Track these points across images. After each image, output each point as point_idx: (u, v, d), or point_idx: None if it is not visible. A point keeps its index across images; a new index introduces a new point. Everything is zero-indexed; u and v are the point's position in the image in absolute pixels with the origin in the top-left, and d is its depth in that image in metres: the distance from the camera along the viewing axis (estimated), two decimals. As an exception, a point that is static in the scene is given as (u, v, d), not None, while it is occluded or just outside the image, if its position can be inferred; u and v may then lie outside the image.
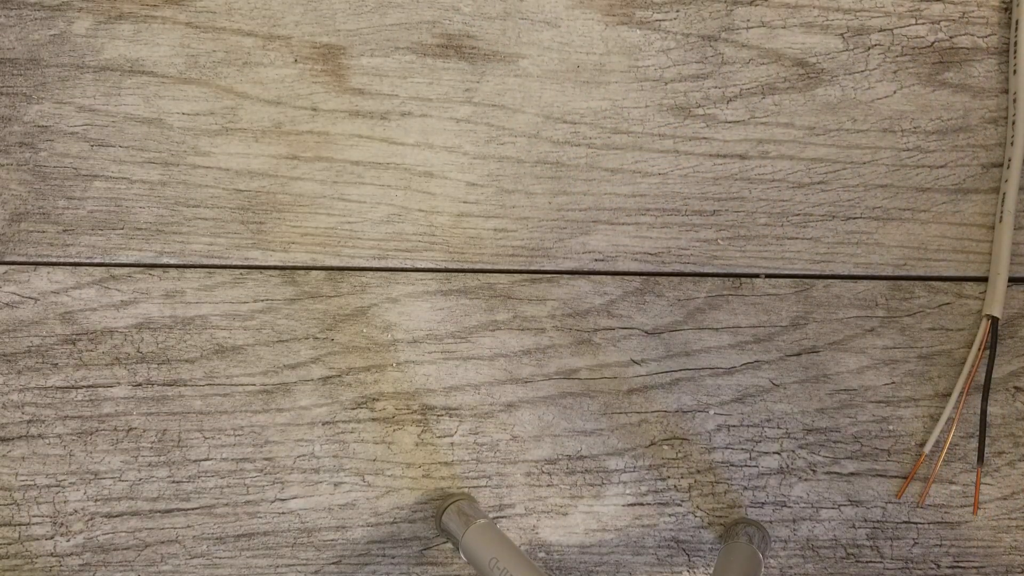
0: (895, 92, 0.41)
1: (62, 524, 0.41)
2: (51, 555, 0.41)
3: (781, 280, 0.41)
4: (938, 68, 0.41)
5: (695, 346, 0.40)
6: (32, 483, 0.41)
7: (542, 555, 0.41)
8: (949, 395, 0.40)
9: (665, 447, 0.41)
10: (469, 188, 0.40)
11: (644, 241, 0.40)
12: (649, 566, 0.41)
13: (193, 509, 0.41)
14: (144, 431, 0.41)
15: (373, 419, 0.41)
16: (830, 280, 0.41)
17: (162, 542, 0.41)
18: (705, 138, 0.41)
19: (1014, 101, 0.40)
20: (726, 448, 0.41)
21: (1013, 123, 0.40)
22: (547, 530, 0.41)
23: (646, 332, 0.41)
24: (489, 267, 0.41)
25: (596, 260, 0.41)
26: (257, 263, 0.40)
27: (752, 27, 0.41)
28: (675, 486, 0.41)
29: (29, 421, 0.40)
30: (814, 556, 0.41)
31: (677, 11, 0.40)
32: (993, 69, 0.41)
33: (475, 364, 0.41)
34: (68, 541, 0.41)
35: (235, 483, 0.41)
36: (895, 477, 0.41)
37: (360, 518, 0.41)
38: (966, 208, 0.41)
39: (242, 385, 0.41)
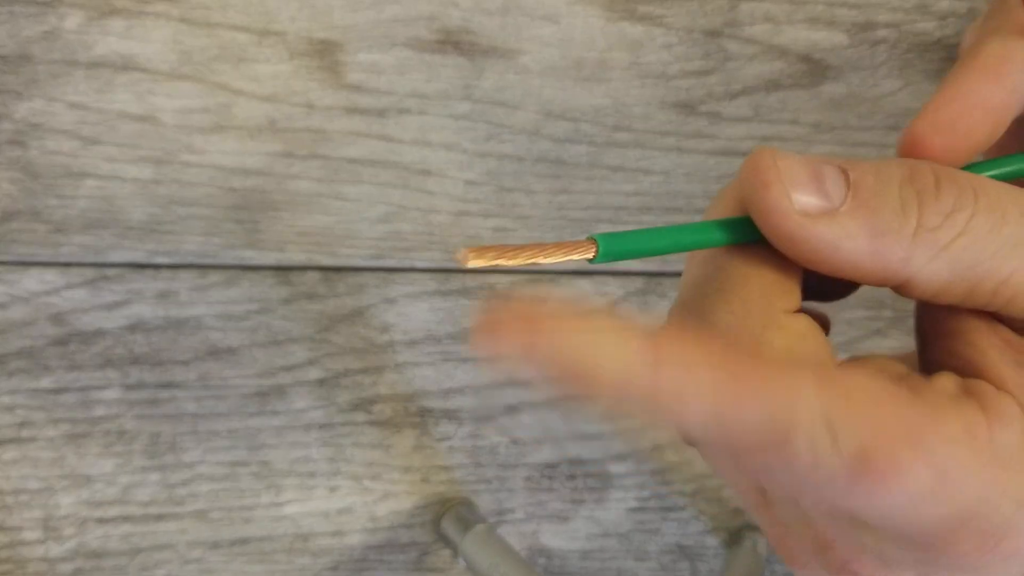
0: (901, 88, 0.40)
1: (53, 529, 0.41)
2: (42, 560, 0.41)
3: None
4: (945, 64, 0.40)
5: (698, 347, 0.40)
6: (23, 487, 0.40)
7: (543, 561, 0.41)
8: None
9: (669, 451, 0.41)
10: (468, 186, 0.40)
11: (646, 240, 0.40)
12: (652, 572, 0.41)
13: (186, 514, 0.41)
14: (137, 434, 0.40)
15: (370, 422, 0.41)
16: (836, 280, 0.40)
17: (155, 547, 0.41)
18: (709, 135, 0.40)
19: None
20: (730, 451, 0.40)
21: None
22: (548, 535, 0.41)
23: (648, 333, 0.40)
24: (489, 267, 0.40)
25: (597, 260, 0.40)
26: (252, 263, 0.40)
27: (756, 22, 0.40)
28: (679, 491, 0.41)
29: (20, 424, 0.40)
30: (820, 562, 0.41)
31: (680, 6, 0.40)
32: (1002, 65, 0.40)
33: (474, 366, 0.40)
34: (60, 546, 0.41)
35: (229, 487, 0.41)
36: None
37: (357, 523, 0.41)
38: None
39: (236, 387, 0.40)
